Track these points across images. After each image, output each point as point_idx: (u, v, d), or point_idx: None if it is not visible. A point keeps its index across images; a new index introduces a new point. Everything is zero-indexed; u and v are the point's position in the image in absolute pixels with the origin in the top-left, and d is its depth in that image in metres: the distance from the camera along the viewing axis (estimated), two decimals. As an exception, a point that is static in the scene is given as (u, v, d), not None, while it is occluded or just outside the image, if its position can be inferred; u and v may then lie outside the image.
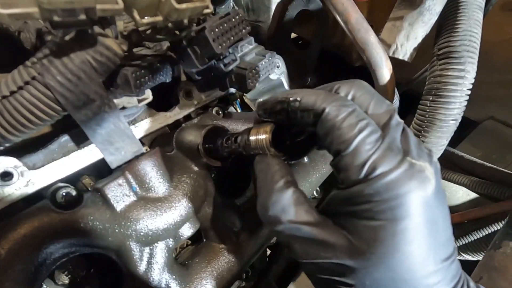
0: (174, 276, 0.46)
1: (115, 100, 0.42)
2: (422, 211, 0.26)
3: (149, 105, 0.51)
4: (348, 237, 0.28)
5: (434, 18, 0.68)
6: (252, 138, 0.36)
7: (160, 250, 0.45)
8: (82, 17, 0.28)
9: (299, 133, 0.38)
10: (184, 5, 0.33)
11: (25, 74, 0.33)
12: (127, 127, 0.44)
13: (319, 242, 0.29)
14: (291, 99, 0.32)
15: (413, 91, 0.82)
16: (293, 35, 0.98)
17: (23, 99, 0.33)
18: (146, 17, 0.33)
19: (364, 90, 0.32)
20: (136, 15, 0.31)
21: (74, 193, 0.42)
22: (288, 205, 0.31)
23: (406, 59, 0.75)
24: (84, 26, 0.31)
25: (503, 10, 0.72)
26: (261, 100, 0.35)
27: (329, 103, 0.29)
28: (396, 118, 0.30)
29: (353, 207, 0.28)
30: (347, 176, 0.28)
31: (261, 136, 0.35)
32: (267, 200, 0.32)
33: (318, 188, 0.89)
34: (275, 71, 0.69)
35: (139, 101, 0.48)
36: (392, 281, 0.27)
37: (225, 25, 0.42)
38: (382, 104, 0.31)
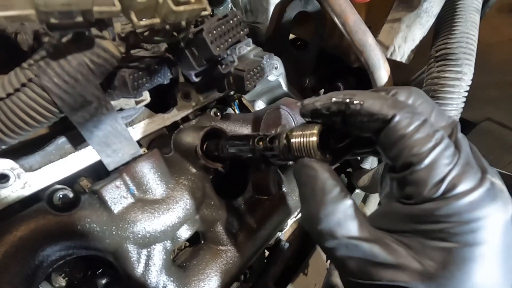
0: (171, 278, 0.46)
1: (112, 102, 0.42)
2: (503, 235, 0.25)
3: (147, 106, 0.51)
4: (416, 258, 0.26)
5: (432, 20, 0.68)
6: (295, 140, 0.33)
7: (158, 252, 0.45)
8: (79, 19, 0.28)
9: (343, 137, 0.35)
10: (182, 7, 0.33)
11: (22, 76, 0.33)
12: (124, 129, 0.44)
13: (381, 262, 0.26)
14: (354, 102, 0.28)
15: (410, 93, 0.82)
16: (291, 36, 0.98)
17: (19, 101, 0.32)
18: (143, 19, 0.32)
19: (424, 98, 0.30)
20: (133, 17, 0.31)
21: (71, 195, 0.42)
22: (345, 218, 0.28)
23: (403, 61, 0.75)
24: (81, 28, 0.31)
25: (500, 12, 0.73)
26: (308, 99, 0.32)
27: (399, 109, 0.26)
28: (460, 132, 0.28)
29: (422, 226, 0.26)
30: (418, 192, 0.26)
31: (308, 139, 0.32)
32: (318, 212, 0.29)
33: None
34: (273, 73, 0.70)
35: (137, 102, 0.48)
36: None
37: (223, 26, 0.42)
38: (443, 115, 0.29)
